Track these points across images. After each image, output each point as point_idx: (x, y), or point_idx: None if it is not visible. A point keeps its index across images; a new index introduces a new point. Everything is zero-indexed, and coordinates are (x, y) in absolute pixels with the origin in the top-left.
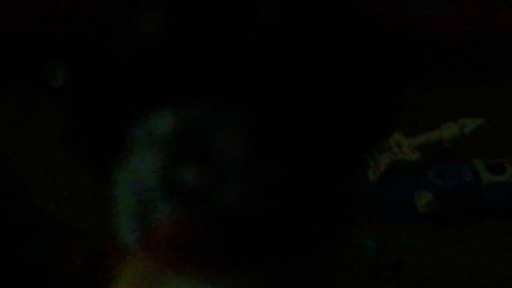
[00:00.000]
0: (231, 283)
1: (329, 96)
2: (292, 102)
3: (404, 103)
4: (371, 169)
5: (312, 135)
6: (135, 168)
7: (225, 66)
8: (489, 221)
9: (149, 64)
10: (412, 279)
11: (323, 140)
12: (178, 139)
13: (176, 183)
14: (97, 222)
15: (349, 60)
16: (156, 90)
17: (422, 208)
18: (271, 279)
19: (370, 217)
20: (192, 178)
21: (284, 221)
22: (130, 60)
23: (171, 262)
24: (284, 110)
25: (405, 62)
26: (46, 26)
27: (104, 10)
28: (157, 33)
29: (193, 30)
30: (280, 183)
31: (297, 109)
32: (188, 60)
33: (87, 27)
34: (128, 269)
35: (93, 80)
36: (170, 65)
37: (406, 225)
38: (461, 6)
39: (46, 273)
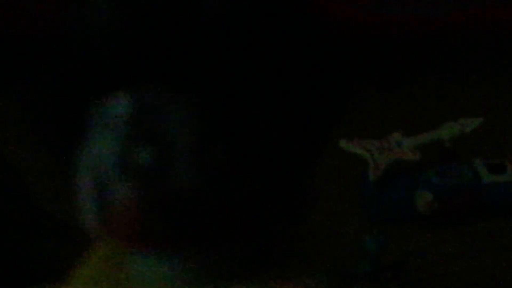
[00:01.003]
0: (183, 261)
1: (271, 81)
2: (238, 88)
3: (353, 103)
4: (371, 169)
5: (256, 120)
6: (93, 151)
7: (176, 53)
8: (489, 221)
9: (102, 50)
10: (412, 279)
11: (267, 125)
12: (132, 122)
13: (132, 164)
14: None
15: (289, 48)
16: (111, 75)
17: (422, 208)
18: (220, 257)
19: (370, 217)
20: (146, 159)
21: (229, 202)
22: (85, 47)
23: (128, 240)
24: (231, 96)
25: (350, 60)
26: (46, 26)
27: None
28: (110, 21)
29: (144, 18)
30: (226, 165)
31: (243, 95)
32: (139, 47)
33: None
34: (92, 253)
35: (51, 67)
36: (122, 52)
37: (406, 225)
38: (461, 6)
39: (45, 272)
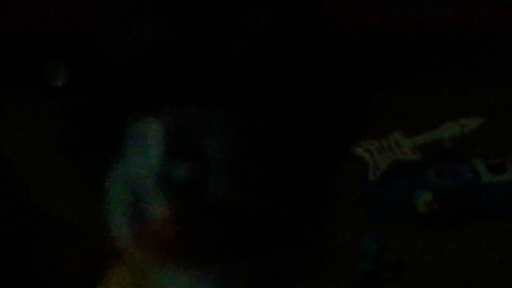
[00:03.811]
0: (218, 276)
1: (307, 100)
2: (275, 106)
3: (380, 107)
4: (371, 169)
5: (293, 136)
6: (129, 166)
7: (214, 71)
8: (489, 221)
9: (144, 68)
10: (412, 279)
11: (302, 141)
12: (171, 138)
13: (169, 179)
14: (97, 222)
15: (323, 70)
16: (151, 93)
17: (422, 208)
18: (255, 273)
19: (370, 217)
20: (183, 175)
21: (267, 216)
22: (127, 65)
23: (163, 255)
24: (268, 113)
25: (375, 69)
26: (46, 26)
27: (104, 16)
28: (153, 40)
29: (186, 39)
30: (264, 180)
31: (279, 112)
32: (181, 65)
33: (87, 30)
34: (119, 268)
35: (91, 82)
36: (164, 70)
37: (406, 225)
38: (461, 6)
39: (46, 273)
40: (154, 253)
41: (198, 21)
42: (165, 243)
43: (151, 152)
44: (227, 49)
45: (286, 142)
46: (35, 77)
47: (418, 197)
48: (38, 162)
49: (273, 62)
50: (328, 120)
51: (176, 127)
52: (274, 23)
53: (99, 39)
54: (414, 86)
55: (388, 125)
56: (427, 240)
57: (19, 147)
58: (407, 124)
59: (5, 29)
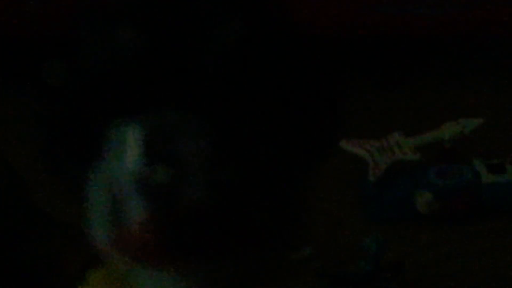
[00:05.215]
0: (194, 278)
1: (277, 107)
2: (246, 113)
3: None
4: (371, 169)
5: (263, 142)
6: (108, 170)
7: (188, 79)
8: (489, 221)
9: (121, 76)
10: (412, 279)
11: (273, 147)
12: (148, 143)
13: (147, 183)
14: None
15: (291, 74)
16: (128, 99)
17: (422, 208)
18: (230, 275)
19: (370, 217)
20: (160, 178)
21: (237, 219)
22: (104, 73)
23: (141, 257)
24: (239, 119)
25: (341, 76)
26: (46, 26)
27: (80, 21)
28: (129, 48)
29: (161, 48)
30: (236, 184)
31: (250, 118)
32: (155, 73)
33: (64, 38)
34: (98, 271)
35: (68, 89)
36: (139, 78)
37: (406, 225)
38: (461, 6)
39: (46, 273)
40: (132, 255)
41: (173, 29)
42: (142, 246)
43: (129, 156)
44: (201, 57)
45: (258, 146)
46: (35, 77)
47: (418, 197)
48: (38, 162)
49: (244, 69)
50: (299, 124)
51: (153, 133)
52: (244, 31)
53: (76, 44)
54: (414, 86)
55: (388, 125)
56: (427, 240)
57: (19, 147)
58: (407, 124)
59: (5, 29)
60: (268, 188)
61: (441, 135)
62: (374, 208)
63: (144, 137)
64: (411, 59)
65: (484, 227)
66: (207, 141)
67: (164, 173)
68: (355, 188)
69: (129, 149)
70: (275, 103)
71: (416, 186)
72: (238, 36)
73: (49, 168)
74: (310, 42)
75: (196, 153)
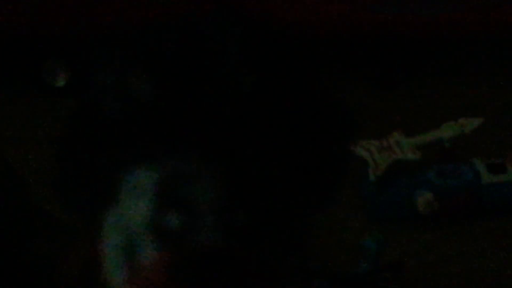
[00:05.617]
0: None
1: (287, 152)
2: (257, 159)
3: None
4: (371, 169)
5: (274, 187)
6: (123, 214)
7: (201, 127)
8: (489, 221)
9: (134, 122)
10: (412, 279)
11: (283, 191)
12: (162, 188)
13: (160, 226)
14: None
15: (305, 124)
16: (141, 145)
17: (422, 208)
18: None
19: (370, 217)
20: (174, 223)
21: (249, 260)
22: (119, 119)
23: None
24: (251, 165)
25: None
26: (46, 26)
27: (94, 69)
28: (142, 96)
29: (172, 95)
30: (246, 227)
31: (261, 165)
32: (168, 119)
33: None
34: None
35: (83, 134)
36: (153, 124)
37: (406, 225)
38: (461, 6)
39: (46, 273)
40: None
41: (185, 77)
42: (156, 286)
43: (144, 201)
44: (214, 104)
45: (270, 189)
46: (35, 77)
47: (418, 197)
48: (38, 162)
49: (255, 116)
50: (310, 164)
51: (167, 178)
52: (258, 81)
53: (90, 91)
54: (414, 86)
55: (388, 125)
56: (427, 240)
57: (19, 147)
58: (407, 124)
59: (5, 29)
60: (278, 229)
61: (441, 135)
62: (374, 208)
63: (157, 182)
64: (411, 59)
65: (484, 227)
66: (219, 185)
67: (176, 217)
68: (355, 188)
69: (142, 194)
70: (285, 148)
71: (416, 186)
72: (251, 86)
73: (64, 206)
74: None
75: (208, 198)
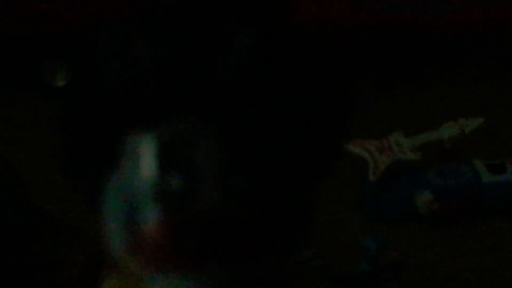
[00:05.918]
0: (210, 281)
1: (290, 114)
2: (258, 120)
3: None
4: (371, 169)
5: (276, 148)
6: (125, 179)
7: (200, 88)
8: (489, 221)
9: (138, 87)
10: (412, 279)
11: (285, 152)
12: (164, 152)
13: (162, 190)
14: (97, 222)
15: (304, 81)
16: (142, 110)
17: (422, 208)
18: (245, 277)
19: (370, 217)
20: (175, 185)
21: (252, 223)
22: (121, 83)
23: (156, 262)
24: (252, 126)
25: (350, 71)
26: (46, 26)
27: (97, 35)
28: (145, 61)
29: (175, 59)
30: (249, 189)
31: (262, 126)
32: (169, 83)
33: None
34: (113, 274)
35: (86, 98)
36: (156, 88)
37: (406, 225)
38: (461, 6)
39: (46, 273)
40: (148, 260)
41: (189, 41)
42: (158, 251)
43: (145, 165)
44: (213, 66)
45: (271, 151)
46: (35, 77)
47: (418, 197)
48: (38, 162)
49: (256, 77)
50: (312, 127)
51: (168, 142)
52: (257, 41)
53: (92, 57)
54: (414, 86)
55: (388, 125)
56: (427, 240)
57: (19, 147)
58: (407, 124)
59: (5, 29)
60: (282, 192)
61: (441, 135)
62: (374, 208)
63: (158, 146)
64: (411, 59)
65: (484, 227)
66: (221, 148)
67: (178, 180)
68: (355, 188)
69: (144, 158)
70: (288, 109)
71: (416, 186)
72: (250, 46)
73: (65, 173)
74: (317, 44)
75: (209, 160)
